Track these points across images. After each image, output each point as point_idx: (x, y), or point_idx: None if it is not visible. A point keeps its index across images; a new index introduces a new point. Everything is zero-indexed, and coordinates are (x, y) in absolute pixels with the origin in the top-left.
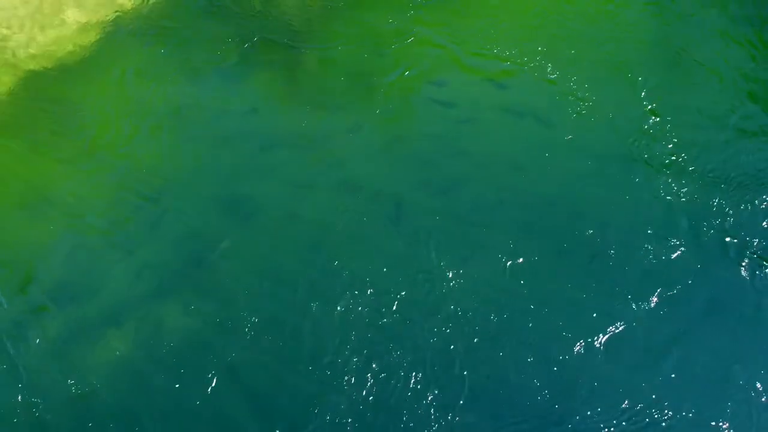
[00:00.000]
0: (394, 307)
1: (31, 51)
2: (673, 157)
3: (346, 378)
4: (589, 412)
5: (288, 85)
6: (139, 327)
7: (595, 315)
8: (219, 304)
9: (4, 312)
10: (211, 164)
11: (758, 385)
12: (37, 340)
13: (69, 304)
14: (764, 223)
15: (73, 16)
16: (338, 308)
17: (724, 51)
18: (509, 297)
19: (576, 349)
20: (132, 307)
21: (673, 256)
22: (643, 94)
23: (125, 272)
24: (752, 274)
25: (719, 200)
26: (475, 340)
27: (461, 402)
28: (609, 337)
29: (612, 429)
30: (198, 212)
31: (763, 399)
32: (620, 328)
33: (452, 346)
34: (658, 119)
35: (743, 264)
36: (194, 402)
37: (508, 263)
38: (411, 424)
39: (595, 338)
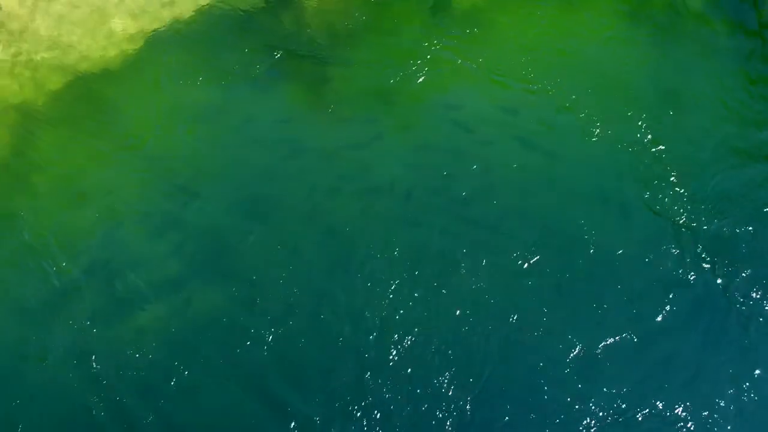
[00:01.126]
0: (406, 296)
1: (80, 55)
2: (672, 182)
3: (358, 359)
4: (588, 410)
5: (311, 97)
6: (166, 306)
7: (596, 322)
8: (242, 289)
9: (54, 287)
10: (239, 166)
11: (744, 384)
12: (76, 315)
13: (104, 282)
14: (745, 244)
15: (120, 24)
16: (352, 296)
17: (720, 81)
18: (515, 296)
19: (577, 352)
20: (161, 288)
21: (668, 271)
22: (644, 123)
23: (155, 257)
24: (733, 290)
25: (710, 222)
26: (478, 336)
27: (465, 397)
28: (608, 342)
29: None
30: (225, 205)
31: (744, 397)
32: (619, 336)
33: (455, 346)
34: (659, 147)
35: (728, 280)
36: (212, 384)
37: (515, 265)
38: (415, 417)
39: (597, 343)
